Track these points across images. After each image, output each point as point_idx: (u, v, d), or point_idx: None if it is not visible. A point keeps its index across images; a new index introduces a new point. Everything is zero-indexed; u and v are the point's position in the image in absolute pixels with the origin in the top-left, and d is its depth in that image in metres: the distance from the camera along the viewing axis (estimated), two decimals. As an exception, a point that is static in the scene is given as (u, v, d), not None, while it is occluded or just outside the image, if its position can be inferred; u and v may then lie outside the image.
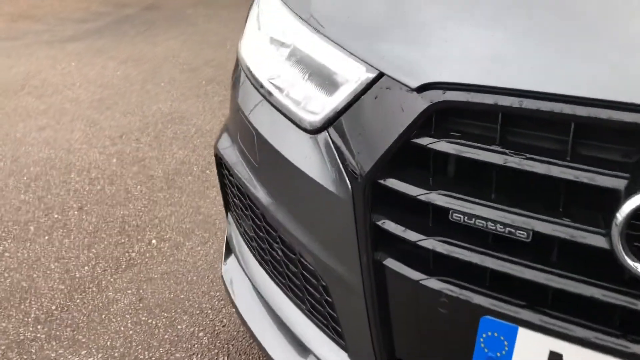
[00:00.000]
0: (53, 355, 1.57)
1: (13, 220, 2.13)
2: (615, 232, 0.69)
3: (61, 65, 3.71)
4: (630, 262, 0.69)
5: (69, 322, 1.68)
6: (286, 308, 1.16)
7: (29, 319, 1.69)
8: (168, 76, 3.50)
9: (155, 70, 3.59)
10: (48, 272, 1.87)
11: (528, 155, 0.75)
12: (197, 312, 1.72)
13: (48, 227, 2.09)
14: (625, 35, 0.75)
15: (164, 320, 1.68)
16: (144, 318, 1.69)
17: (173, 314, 1.71)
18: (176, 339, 1.62)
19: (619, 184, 0.70)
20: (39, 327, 1.66)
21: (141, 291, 1.79)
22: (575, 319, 0.76)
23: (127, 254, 1.95)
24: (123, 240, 2.02)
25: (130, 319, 1.69)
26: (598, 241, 0.71)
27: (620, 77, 0.71)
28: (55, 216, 2.15)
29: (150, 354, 1.57)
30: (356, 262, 0.91)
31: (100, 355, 1.57)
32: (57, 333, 1.64)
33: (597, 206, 0.73)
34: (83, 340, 1.62)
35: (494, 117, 0.77)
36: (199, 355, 1.57)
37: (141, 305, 1.74)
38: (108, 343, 1.61)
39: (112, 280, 1.84)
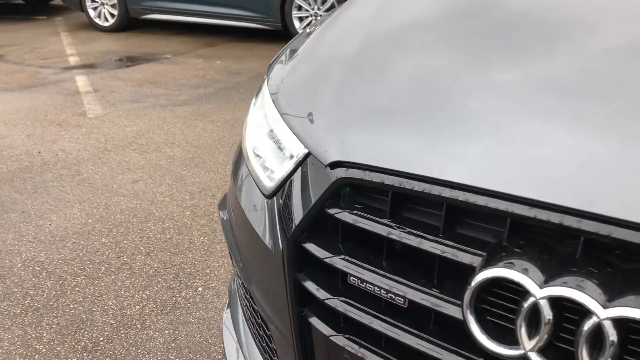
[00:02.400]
0: (89, 380, 1.79)
1: (90, 260, 2.43)
2: (465, 304, 0.76)
3: (168, 126, 4.16)
4: (476, 335, 0.75)
5: (110, 353, 1.90)
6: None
7: (79, 347, 1.93)
8: (255, 139, 3.79)
9: (246, 134, 3.91)
10: (105, 307, 2.12)
11: (407, 230, 0.84)
12: (220, 357, 1.86)
13: (116, 269, 2.37)
14: (497, 127, 0.83)
15: (189, 361, 1.85)
16: (172, 357, 1.87)
17: (198, 356, 1.87)
18: (194, 379, 1.78)
19: (475, 260, 0.77)
20: (85, 354, 1.89)
21: (177, 332, 1.98)
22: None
23: (174, 298, 2.16)
24: (174, 285, 2.25)
25: (161, 356, 1.87)
26: (456, 312, 0.78)
27: (487, 165, 0.79)
28: (125, 259, 2.44)
29: (169, 390, 1.74)
30: (287, 316, 1.02)
31: (127, 385, 1.76)
32: (83, 341, 1.86)
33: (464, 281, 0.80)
34: (117, 370, 1.83)
35: (386, 194, 0.87)
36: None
37: (173, 345, 1.92)
38: (137, 375, 1.80)
39: (155, 320, 2.05)
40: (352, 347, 0.91)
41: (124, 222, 2.76)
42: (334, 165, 0.92)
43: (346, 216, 0.90)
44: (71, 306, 2.14)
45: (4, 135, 4.02)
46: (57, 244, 2.56)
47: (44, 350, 1.91)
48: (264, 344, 1.22)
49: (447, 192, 0.80)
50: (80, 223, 2.75)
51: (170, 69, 5.95)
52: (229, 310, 1.52)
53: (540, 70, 0.90)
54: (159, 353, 1.89)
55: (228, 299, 1.55)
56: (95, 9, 8.07)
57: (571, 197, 0.70)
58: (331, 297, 0.93)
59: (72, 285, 2.26)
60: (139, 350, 1.90)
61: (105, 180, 3.24)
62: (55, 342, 1.95)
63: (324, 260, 0.92)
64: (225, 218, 1.36)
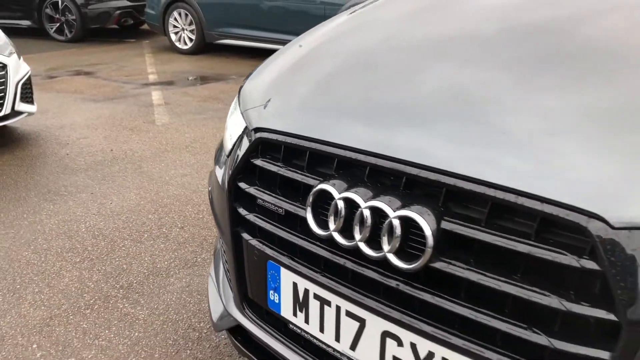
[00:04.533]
0: (121, 306, 2.37)
1: (137, 229, 3.06)
2: (307, 206, 1.26)
3: (220, 134, 4.81)
4: (311, 224, 1.25)
5: (139, 290, 2.48)
6: (222, 274, 1.81)
7: (118, 285, 2.53)
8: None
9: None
10: (142, 262, 2.72)
11: (289, 169, 1.36)
12: (220, 299, 2.40)
13: (155, 236, 2.98)
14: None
15: (195, 303, 2.40)
16: (184, 296, 2.43)
17: (203, 297, 2.42)
18: (199, 311, 2.33)
19: (315, 183, 1.27)
20: (121, 290, 2.49)
21: (191, 281, 2.55)
22: (306, 265, 1.32)
23: (195, 258, 2.74)
24: (197, 250, 2.82)
25: (177, 295, 2.44)
26: (307, 214, 1.29)
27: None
28: (164, 230, 3.05)
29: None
30: (229, 233, 1.55)
31: (147, 311, 2.33)
32: (128, 293, 2.45)
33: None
34: (142, 301, 2.40)
35: (279, 148, 1.39)
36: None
37: (187, 289, 2.49)
38: (160, 305, 2.37)
39: (177, 272, 2.62)
40: (258, 245, 1.43)
41: (168, 204, 3.39)
42: (256, 130, 1.46)
43: (259, 162, 1.43)
44: (117, 259, 2.76)
45: (86, 136, 4.80)
46: (114, 217, 3.21)
47: (92, 285, 2.53)
48: (225, 270, 1.74)
49: (306, 144, 1.31)
50: (134, 203, 3.40)
51: (234, 87, 6.67)
52: (212, 264, 2.06)
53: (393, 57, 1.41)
54: (175, 293, 2.46)
55: (213, 256, 2.09)
56: (176, 33, 9.01)
57: (365, 143, 1.20)
58: (248, 213, 1.46)
59: (120, 245, 2.89)
60: (161, 290, 2.48)
61: (160, 173, 3.91)
62: (101, 281, 2.56)
63: (245, 190, 1.46)
64: (209, 189, 1.92)
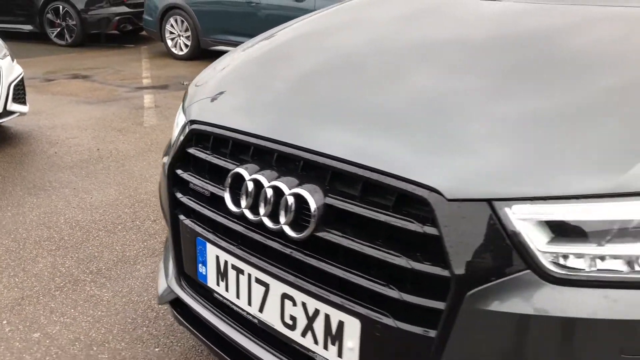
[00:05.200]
0: (88, 289, 2.56)
1: (112, 221, 3.26)
2: (225, 187, 1.45)
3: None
4: (227, 202, 1.44)
5: (107, 275, 2.67)
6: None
7: (88, 271, 2.72)
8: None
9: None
10: (113, 250, 2.92)
11: (215, 156, 1.55)
12: (180, 284, 2.59)
13: (129, 228, 3.17)
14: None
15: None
16: (148, 282, 2.62)
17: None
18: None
19: (233, 167, 1.46)
20: (90, 275, 2.68)
21: (156, 268, 2.74)
22: (226, 240, 1.51)
23: (161, 248, 2.93)
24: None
25: (142, 281, 2.63)
26: (225, 194, 1.48)
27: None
28: (137, 223, 3.24)
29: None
30: (169, 215, 1.75)
31: (111, 294, 2.52)
32: (96, 278, 2.64)
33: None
34: (108, 284, 2.59)
35: (209, 138, 1.59)
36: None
37: (152, 275, 2.68)
38: (124, 289, 2.56)
39: (144, 260, 2.81)
40: (189, 224, 1.62)
41: (145, 199, 3.58)
42: (191, 123, 1.66)
43: (193, 151, 1.63)
44: (90, 248, 2.95)
45: (75, 136, 5.01)
46: (92, 210, 3.41)
47: (64, 270, 2.72)
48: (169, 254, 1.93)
49: (229, 134, 1.51)
50: (113, 198, 3.60)
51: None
52: (164, 249, 2.25)
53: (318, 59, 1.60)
54: (140, 278, 2.65)
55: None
56: (172, 39, 9.25)
57: (273, 132, 1.39)
58: (183, 196, 1.65)
59: (94, 236, 3.09)
60: (127, 276, 2.67)
61: (141, 171, 4.11)
62: (73, 267, 2.76)
63: (180, 176, 1.65)
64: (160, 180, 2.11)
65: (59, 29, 10.47)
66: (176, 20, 9.13)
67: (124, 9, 10.49)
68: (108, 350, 2.14)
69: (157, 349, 2.15)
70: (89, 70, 8.29)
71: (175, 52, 9.23)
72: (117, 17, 10.43)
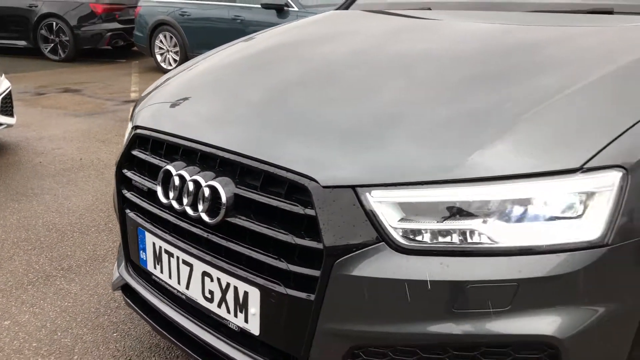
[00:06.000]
0: (58, 283, 2.79)
1: (87, 224, 3.49)
2: (158, 182, 1.69)
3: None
4: (160, 195, 1.68)
5: (77, 271, 2.90)
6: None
7: (60, 267, 2.95)
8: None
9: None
10: (85, 249, 3.15)
11: (153, 156, 1.79)
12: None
13: (101, 230, 3.41)
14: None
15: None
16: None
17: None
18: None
19: (164, 165, 1.71)
20: (62, 271, 2.91)
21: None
22: (160, 228, 1.75)
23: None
24: (134, 241, 3.25)
25: (107, 276, 2.86)
26: (157, 188, 1.72)
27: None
28: (110, 225, 3.47)
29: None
30: (118, 210, 1.98)
31: (79, 287, 2.75)
32: (66, 274, 2.87)
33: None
34: (77, 279, 2.82)
35: (148, 141, 1.83)
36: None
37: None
38: (91, 283, 2.79)
39: (112, 257, 3.04)
40: (133, 216, 1.86)
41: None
42: (135, 128, 1.90)
43: (136, 152, 1.87)
44: (63, 247, 3.19)
45: (61, 146, 5.26)
46: (69, 214, 3.65)
47: (38, 267, 2.96)
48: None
49: (163, 137, 1.75)
50: (90, 203, 3.84)
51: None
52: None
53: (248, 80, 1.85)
54: (107, 274, 2.88)
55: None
56: (162, 54, 9.54)
57: (197, 135, 1.64)
58: (128, 192, 1.89)
59: (69, 237, 3.32)
60: (95, 272, 2.90)
61: (105, 176, 4.34)
62: (46, 264, 2.99)
63: (126, 174, 1.89)
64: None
65: (52, 45, 10.76)
66: (165, 36, 9.42)
67: (115, 25, 10.79)
68: (71, 335, 2.37)
69: (115, 334, 2.38)
70: (79, 84, 8.56)
71: (165, 66, 9.51)
72: (109, 33, 10.72)
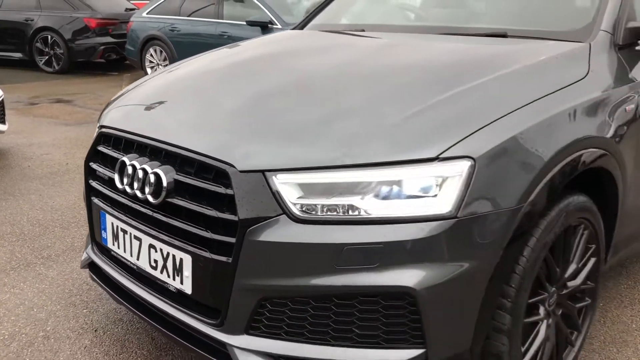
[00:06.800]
0: (37, 269, 3.11)
1: (68, 220, 3.81)
2: (116, 171, 2.03)
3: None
4: (117, 182, 2.01)
5: (56, 259, 3.22)
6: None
7: (40, 256, 3.27)
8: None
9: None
10: (65, 242, 3.47)
11: (114, 151, 2.13)
12: (115, 266, 3.15)
13: (81, 225, 3.73)
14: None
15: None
16: (88, 264, 3.17)
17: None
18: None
19: (121, 157, 2.04)
20: (42, 260, 3.23)
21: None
22: (117, 210, 2.08)
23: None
24: (110, 235, 3.57)
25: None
26: (115, 178, 2.05)
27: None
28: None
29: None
30: (85, 198, 2.31)
31: (56, 272, 3.07)
32: (46, 261, 3.18)
33: (126, 168, 2.07)
34: (55, 266, 3.13)
35: (110, 138, 2.17)
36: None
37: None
38: (67, 269, 3.10)
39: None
40: (97, 202, 2.19)
41: (99, 204, 4.14)
42: (100, 127, 2.24)
43: (101, 148, 2.21)
44: (45, 240, 3.51)
45: (49, 152, 5.59)
46: (52, 211, 3.98)
47: (20, 256, 3.28)
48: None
49: (121, 134, 2.09)
50: (72, 202, 4.17)
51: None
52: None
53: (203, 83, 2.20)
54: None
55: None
56: (152, 68, 9.91)
57: (147, 132, 1.98)
58: (93, 181, 2.23)
59: (51, 231, 3.65)
60: (72, 260, 3.22)
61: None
62: (28, 254, 3.31)
63: (92, 167, 2.23)
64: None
65: (47, 57, 11.12)
66: (155, 50, 9.80)
67: (109, 39, 11.17)
68: (45, 311, 2.69)
69: (85, 310, 2.70)
70: (71, 95, 8.91)
71: (154, 79, 9.86)
72: (102, 47, 11.09)
